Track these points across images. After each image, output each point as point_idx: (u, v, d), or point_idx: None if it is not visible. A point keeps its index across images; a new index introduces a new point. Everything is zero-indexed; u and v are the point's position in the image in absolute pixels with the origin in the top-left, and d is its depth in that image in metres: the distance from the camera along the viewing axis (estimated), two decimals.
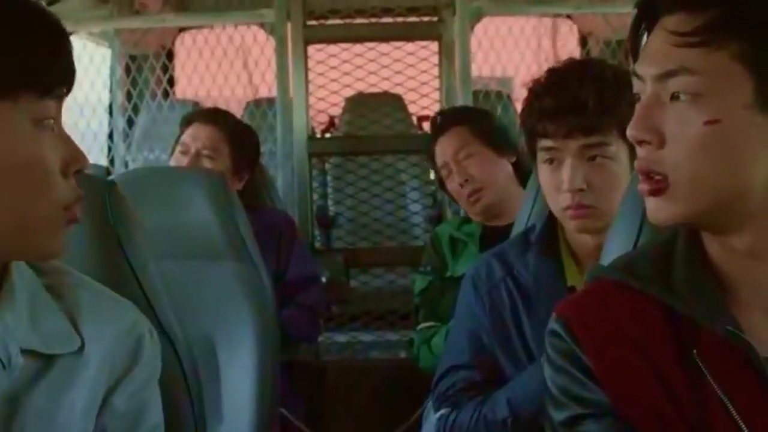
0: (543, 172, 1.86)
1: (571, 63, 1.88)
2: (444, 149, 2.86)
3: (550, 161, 1.83)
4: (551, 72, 1.86)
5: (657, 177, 1.11)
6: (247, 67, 4.50)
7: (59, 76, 1.17)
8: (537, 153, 1.86)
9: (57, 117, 1.17)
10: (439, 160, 2.89)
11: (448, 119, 2.94)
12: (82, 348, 1.22)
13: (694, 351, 1.11)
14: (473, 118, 2.91)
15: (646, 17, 1.15)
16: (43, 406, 1.19)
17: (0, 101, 1.11)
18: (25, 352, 1.18)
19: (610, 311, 1.18)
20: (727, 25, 1.07)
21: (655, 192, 1.11)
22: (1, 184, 1.11)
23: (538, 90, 1.85)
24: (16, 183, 1.12)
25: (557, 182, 1.82)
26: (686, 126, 1.08)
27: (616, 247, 1.38)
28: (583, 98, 1.78)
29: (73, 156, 1.18)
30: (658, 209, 1.12)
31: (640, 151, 1.13)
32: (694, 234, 1.17)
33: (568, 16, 4.58)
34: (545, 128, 1.81)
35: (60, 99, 1.17)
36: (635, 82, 1.15)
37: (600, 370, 1.15)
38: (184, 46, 4.77)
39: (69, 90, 1.19)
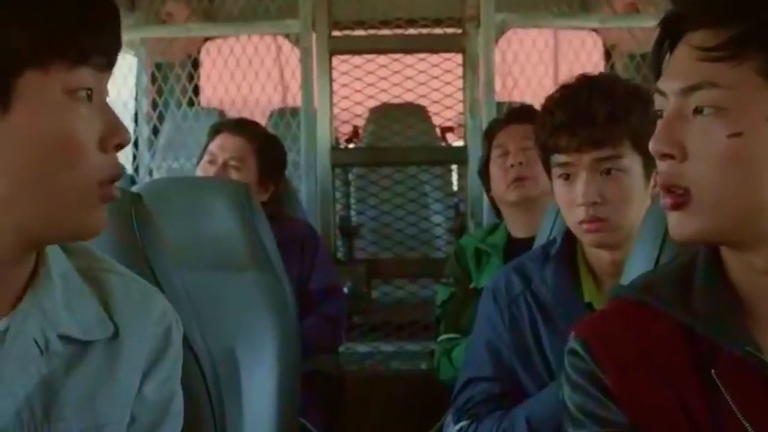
0: (558, 187, 1.87)
1: (582, 78, 1.89)
2: (512, 133, 2.86)
3: (566, 177, 1.84)
4: (563, 88, 1.88)
5: (679, 191, 1.11)
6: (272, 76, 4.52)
7: (94, 45, 1.11)
8: (552, 169, 1.88)
9: (97, 87, 1.13)
10: (497, 141, 2.90)
11: (528, 113, 2.94)
12: (116, 334, 1.22)
13: (713, 371, 1.11)
14: None
15: (670, 35, 1.16)
16: (82, 392, 1.18)
17: (29, 70, 1.07)
18: (62, 337, 1.17)
19: (630, 331, 1.18)
20: (752, 39, 1.07)
21: (678, 206, 1.11)
22: (29, 155, 1.08)
23: (550, 105, 1.87)
24: (46, 155, 1.08)
25: (572, 197, 1.83)
26: (709, 139, 1.08)
27: (637, 265, 1.38)
28: (592, 111, 1.80)
29: (113, 129, 1.14)
30: (680, 224, 1.12)
31: (662, 165, 1.13)
32: (714, 254, 1.17)
33: (594, 30, 4.58)
34: (557, 142, 1.83)
35: (101, 69, 1.13)
36: (657, 98, 1.16)
37: (619, 390, 1.15)
38: (209, 55, 4.79)
39: (111, 60, 1.15)
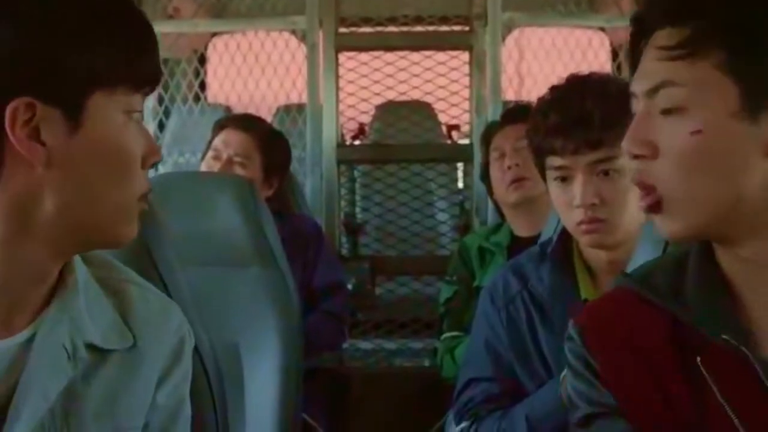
0: (554, 189, 1.87)
1: (573, 79, 1.89)
2: (506, 135, 2.89)
3: (562, 179, 1.84)
4: (554, 89, 1.88)
5: (650, 190, 1.14)
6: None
7: (151, 72, 1.21)
8: (546, 171, 1.87)
9: (141, 111, 1.22)
10: (494, 144, 2.92)
11: (521, 113, 2.96)
12: (134, 344, 1.26)
13: (698, 359, 1.13)
14: None
15: (641, 35, 1.18)
16: (102, 398, 1.22)
17: (99, 92, 1.14)
18: (86, 344, 1.22)
19: (621, 319, 1.21)
20: (709, 36, 1.10)
21: (653, 208, 1.14)
22: (93, 171, 1.15)
23: (543, 107, 1.86)
24: (107, 170, 1.16)
25: (569, 198, 1.83)
26: (675, 138, 1.11)
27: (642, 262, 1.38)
28: (587, 113, 1.79)
29: (152, 149, 1.23)
30: (662, 226, 1.15)
31: (635, 164, 1.16)
32: (707, 245, 1.19)
33: (601, 29, 4.57)
34: (552, 145, 1.83)
35: (146, 95, 1.22)
36: (633, 100, 1.18)
37: (605, 373, 1.20)
38: (216, 50, 4.79)
39: (155, 87, 1.25)
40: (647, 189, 1.14)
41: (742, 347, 1.11)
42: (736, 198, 1.10)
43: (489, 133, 3.00)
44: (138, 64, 1.19)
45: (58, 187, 1.14)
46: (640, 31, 1.18)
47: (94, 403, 1.22)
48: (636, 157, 1.15)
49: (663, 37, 1.13)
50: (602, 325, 1.22)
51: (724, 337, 1.11)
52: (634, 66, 1.19)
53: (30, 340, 1.18)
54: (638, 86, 1.16)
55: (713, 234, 1.15)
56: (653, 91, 1.13)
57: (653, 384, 1.16)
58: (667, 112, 1.12)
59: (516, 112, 2.98)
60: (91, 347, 1.22)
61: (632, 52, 1.19)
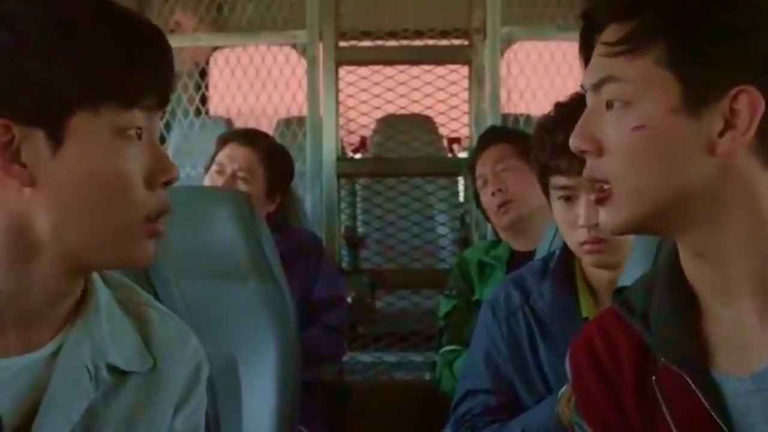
0: (558, 208, 1.86)
1: (578, 96, 1.87)
2: (485, 160, 2.90)
3: (566, 198, 1.83)
4: (559, 107, 1.86)
5: (603, 185, 1.14)
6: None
7: (143, 87, 1.14)
8: (550, 190, 1.87)
9: (148, 127, 1.16)
10: (478, 171, 2.93)
11: (495, 134, 2.99)
12: (153, 367, 1.24)
13: (653, 378, 1.14)
14: (519, 137, 2.92)
15: (592, 30, 1.18)
16: (121, 422, 1.20)
17: (79, 112, 1.10)
18: (107, 366, 1.20)
19: (597, 335, 1.21)
20: (650, 32, 1.10)
21: (601, 200, 1.14)
22: (78, 191, 1.11)
23: (548, 125, 1.85)
24: (93, 191, 1.11)
25: (572, 218, 1.82)
26: (618, 133, 1.12)
27: (630, 279, 1.38)
28: None
29: (160, 167, 1.16)
30: (607, 217, 1.15)
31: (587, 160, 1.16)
32: (675, 256, 1.18)
33: None
34: (558, 164, 1.81)
35: (151, 109, 1.16)
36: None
37: (581, 404, 1.21)
38: (217, 64, 4.80)
39: (163, 101, 1.18)
40: (597, 184, 1.14)
41: (676, 369, 1.11)
42: (679, 193, 1.10)
43: (472, 162, 3.00)
44: (122, 80, 1.12)
45: (47, 209, 1.11)
46: (590, 27, 1.18)
47: (114, 425, 1.19)
48: (581, 152, 1.15)
49: (608, 33, 1.14)
50: (581, 343, 1.23)
51: (661, 359, 1.13)
52: (586, 61, 1.19)
53: (53, 355, 1.16)
54: (585, 81, 1.17)
55: (659, 227, 1.15)
56: (598, 86, 1.14)
57: (613, 404, 1.17)
58: (610, 106, 1.13)
59: (490, 135, 3.01)
60: (112, 369, 1.20)
61: (584, 47, 1.19)
